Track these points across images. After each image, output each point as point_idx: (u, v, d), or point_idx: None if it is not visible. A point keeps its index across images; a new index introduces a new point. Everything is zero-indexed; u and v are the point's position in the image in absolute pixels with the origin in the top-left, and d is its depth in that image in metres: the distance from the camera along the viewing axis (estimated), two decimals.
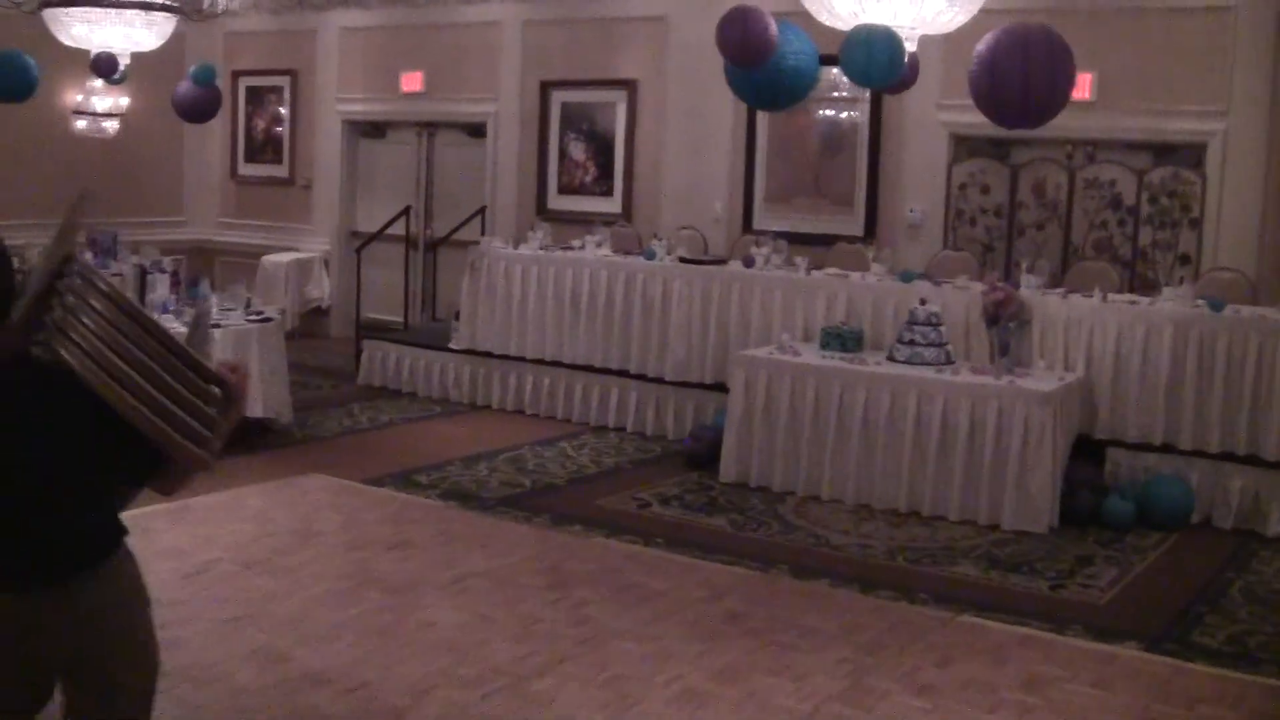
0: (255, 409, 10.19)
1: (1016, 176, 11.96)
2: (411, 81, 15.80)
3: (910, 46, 8.29)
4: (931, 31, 8.51)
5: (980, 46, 7.85)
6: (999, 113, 7.74)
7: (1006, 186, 11.99)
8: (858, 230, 12.68)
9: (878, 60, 7.49)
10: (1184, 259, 11.28)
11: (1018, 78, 7.58)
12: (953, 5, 8.13)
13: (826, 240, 12.44)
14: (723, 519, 8.82)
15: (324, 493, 9.08)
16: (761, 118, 13.13)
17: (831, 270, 10.98)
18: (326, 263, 16.51)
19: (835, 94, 12.68)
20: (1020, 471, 8.70)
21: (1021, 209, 11.93)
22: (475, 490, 9.30)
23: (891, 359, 9.48)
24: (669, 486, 9.57)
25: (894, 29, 7.63)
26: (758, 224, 13.19)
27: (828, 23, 8.34)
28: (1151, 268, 11.38)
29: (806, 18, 8.40)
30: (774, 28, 8.18)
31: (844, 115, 12.88)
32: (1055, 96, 7.71)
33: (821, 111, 12.95)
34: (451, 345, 12.42)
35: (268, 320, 10.57)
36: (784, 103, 8.98)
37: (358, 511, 8.68)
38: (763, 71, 8.44)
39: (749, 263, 10.98)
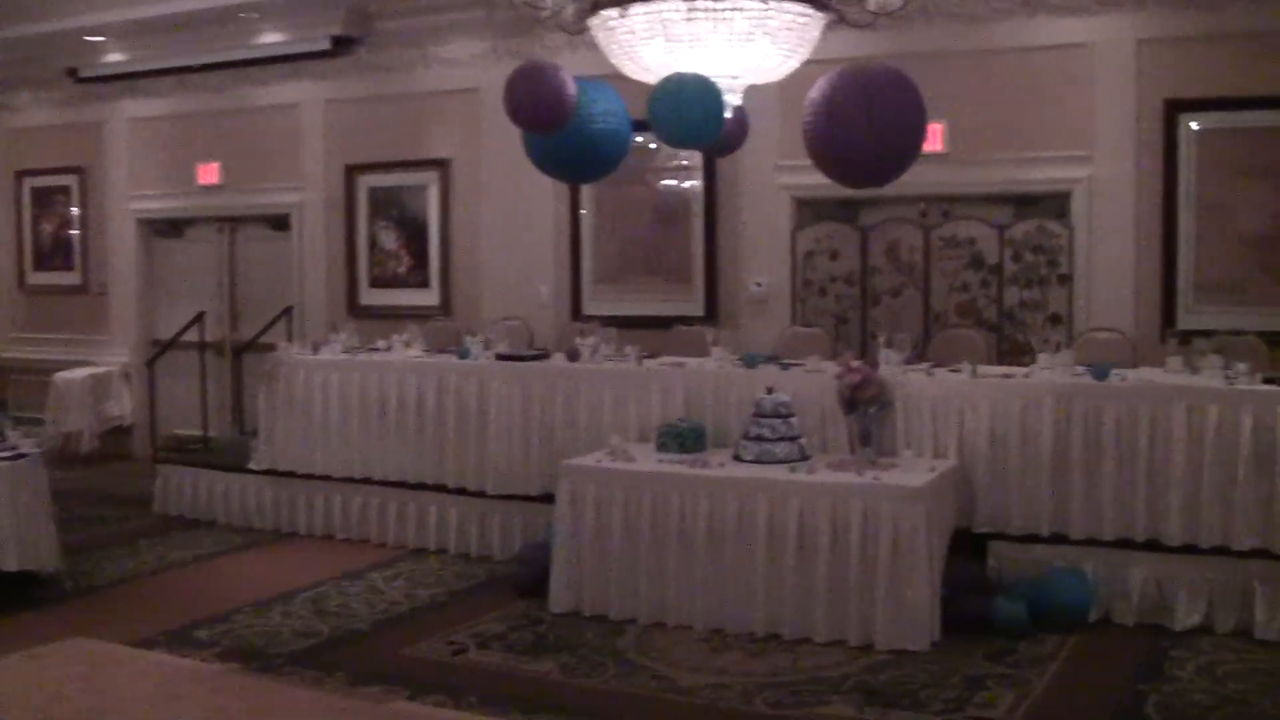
0: (9, 562, 8.74)
1: (867, 239, 10.88)
2: (208, 173, 14.49)
3: (734, 99, 7.15)
4: (758, 81, 7.38)
5: (814, 93, 6.70)
6: (842, 168, 6.58)
7: (857, 251, 10.90)
8: (698, 309, 11.54)
9: (690, 114, 6.30)
10: (1055, 319, 10.24)
11: (862, 126, 6.42)
12: (779, 49, 6.99)
13: (665, 322, 11.25)
14: (551, 662, 7.47)
15: (79, 664, 7.61)
16: (586, 191, 11.99)
17: (666, 359, 9.73)
18: (127, 376, 15.01)
19: (666, 161, 11.52)
20: (893, 580, 7.49)
21: (875, 275, 10.84)
22: (263, 645, 7.88)
23: (738, 458, 8.26)
24: (491, 622, 8.22)
25: (710, 78, 6.43)
26: (588, 308, 11.99)
27: (637, 77, 7.18)
28: (1021, 331, 10.33)
29: (621, 80, 7.26)
30: (571, 86, 6.96)
31: (677, 183, 11.72)
32: (908, 145, 6.57)
33: (651, 180, 11.79)
34: (251, 466, 10.99)
35: (20, 456, 9.08)
36: (592, 173, 7.77)
37: (115, 687, 7.23)
38: (565, 137, 7.21)
39: (574, 355, 9.71)
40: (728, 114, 6.91)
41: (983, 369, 8.67)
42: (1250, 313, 9.85)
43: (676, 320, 11.23)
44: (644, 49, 6.89)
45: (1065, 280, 10.24)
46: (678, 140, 6.80)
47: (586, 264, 12.14)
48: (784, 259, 11.18)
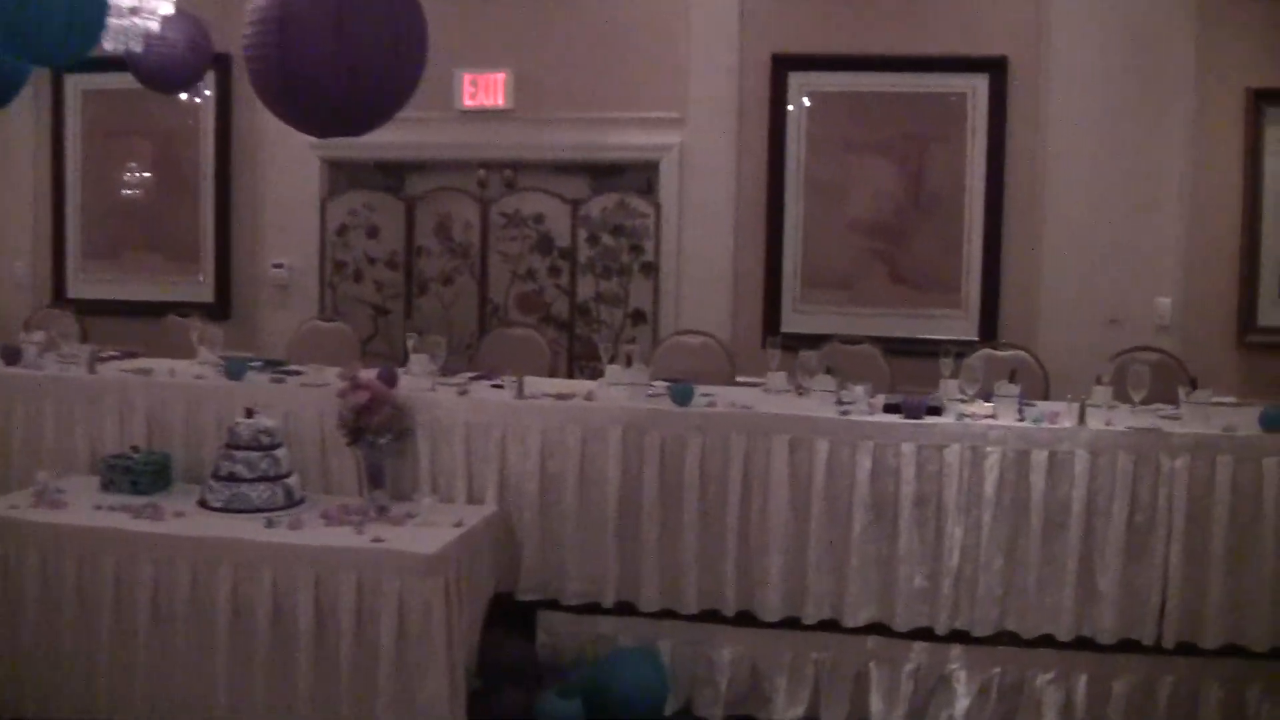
0: None
1: (414, 212, 8.87)
2: None
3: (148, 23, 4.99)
4: None
5: None
6: (298, 104, 4.47)
7: (402, 227, 8.90)
8: (209, 295, 9.30)
9: (38, 12, 4.08)
10: (638, 317, 8.44)
11: (328, 45, 4.34)
12: None
13: (166, 310, 8.93)
14: None
15: None
16: (73, 142, 9.59)
17: (129, 365, 7.40)
18: None
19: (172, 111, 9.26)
20: (401, 675, 5.47)
21: (423, 256, 8.85)
22: None
23: (204, 505, 6.09)
24: None
25: None
26: (74, 290, 9.62)
27: None
28: (597, 331, 8.46)
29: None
30: None
31: (184, 137, 9.44)
32: (396, 76, 4.52)
33: (155, 132, 9.48)
34: None
35: None
36: None
37: None
38: None
39: (12, 356, 7.30)
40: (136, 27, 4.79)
41: (536, 384, 6.71)
42: (865, 314, 8.35)
43: (178, 308, 8.92)
44: None
45: (650, 270, 8.45)
46: (16, 48, 4.53)
47: (73, 234, 9.73)
48: (312, 235, 9.04)
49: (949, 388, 6.49)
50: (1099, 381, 6.51)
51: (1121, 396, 6.32)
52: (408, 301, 8.86)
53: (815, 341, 7.62)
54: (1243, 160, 8.02)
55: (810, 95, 8.32)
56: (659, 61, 8.46)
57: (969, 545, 5.87)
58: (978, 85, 8.17)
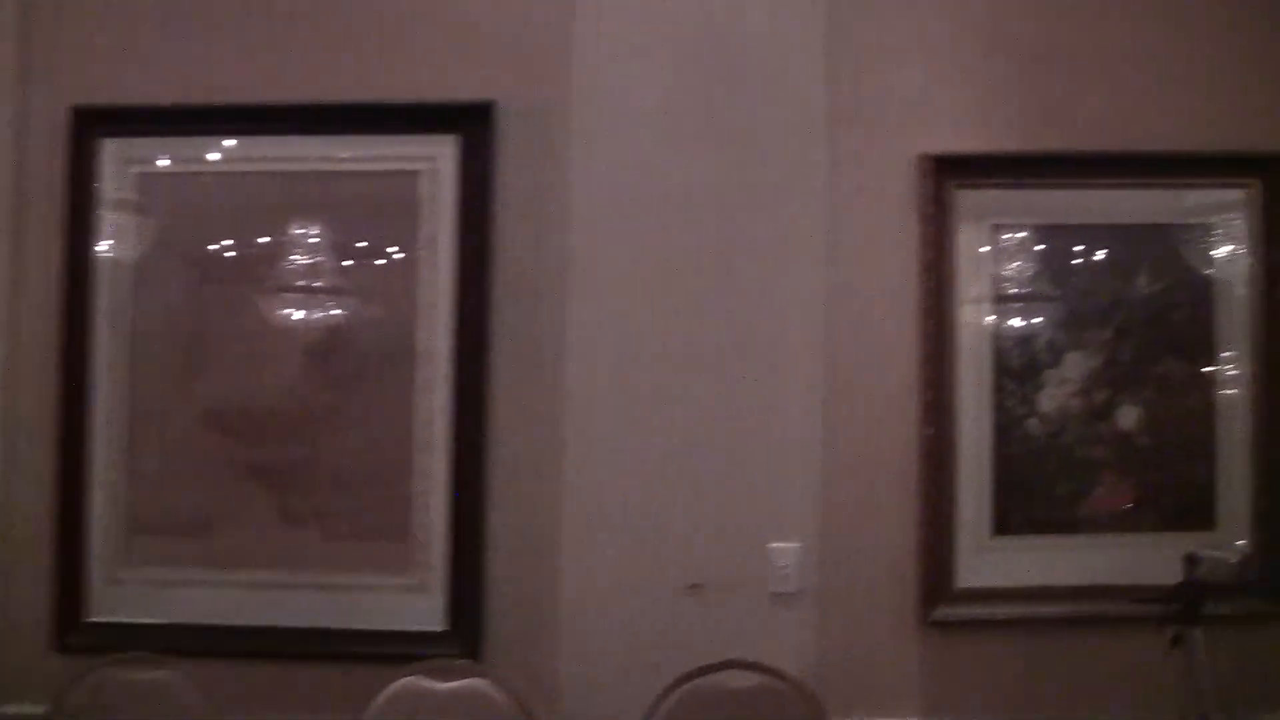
0: None
1: None
2: None
3: None
4: None
5: None
6: None
7: None
8: None
9: None
10: None
11: None
12: None
13: None
14: None
15: None
16: None
17: None
18: None
19: None
20: None
21: None
22: None
23: None
24: None
25: None
26: None
27: None
28: None
29: None
30: None
31: None
32: None
33: None
34: None
35: None
36: None
37: None
38: None
39: None
40: None
41: None
42: (238, 590, 4.45)
43: None
44: None
45: None
46: None
47: None
48: None
49: None
50: None
51: None
52: None
53: (142, 643, 3.91)
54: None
55: (143, 177, 4.52)
56: None
57: None
58: (440, 155, 4.44)
